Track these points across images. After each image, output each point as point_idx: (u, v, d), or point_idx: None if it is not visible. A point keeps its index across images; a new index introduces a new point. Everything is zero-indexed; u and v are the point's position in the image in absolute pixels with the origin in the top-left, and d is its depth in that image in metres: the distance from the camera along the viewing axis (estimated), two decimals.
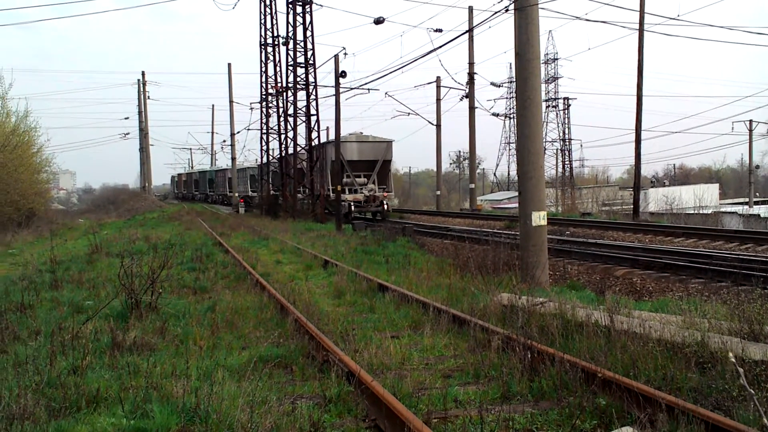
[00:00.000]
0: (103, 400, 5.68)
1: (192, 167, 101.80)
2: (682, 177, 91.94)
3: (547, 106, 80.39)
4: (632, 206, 31.42)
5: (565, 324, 7.44)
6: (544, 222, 12.06)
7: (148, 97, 63.04)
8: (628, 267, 14.47)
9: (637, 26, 28.53)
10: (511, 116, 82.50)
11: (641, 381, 5.51)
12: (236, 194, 55.85)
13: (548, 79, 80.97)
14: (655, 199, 51.31)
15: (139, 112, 63.78)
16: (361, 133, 34.39)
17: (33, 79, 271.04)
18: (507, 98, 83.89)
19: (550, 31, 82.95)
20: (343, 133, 30.66)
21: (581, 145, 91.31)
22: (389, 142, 33.90)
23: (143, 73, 62.80)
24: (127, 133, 66.18)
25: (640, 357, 6.00)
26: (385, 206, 33.64)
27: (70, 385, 5.84)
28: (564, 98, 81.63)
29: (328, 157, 33.87)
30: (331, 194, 31.64)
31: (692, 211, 40.97)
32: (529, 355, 6.30)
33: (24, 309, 9.77)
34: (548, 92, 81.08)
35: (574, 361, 5.90)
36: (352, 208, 32.45)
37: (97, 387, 5.84)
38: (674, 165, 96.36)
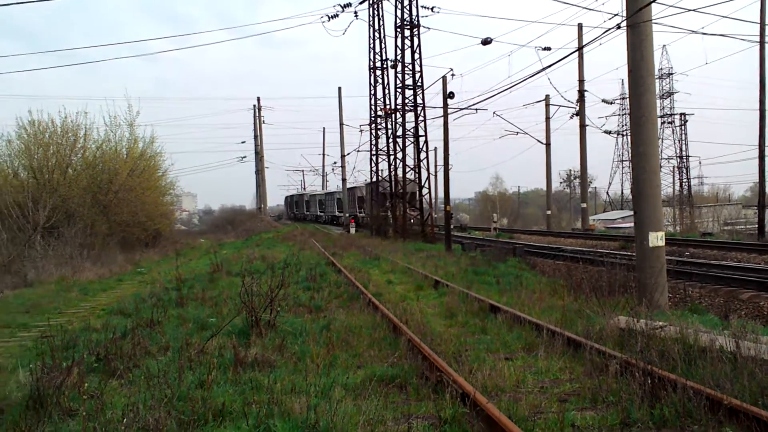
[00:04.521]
0: (228, 414, 5.94)
1: (304, 188, 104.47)
2: None
3: (663, 123, 77.34)
4: (757, 226, 29.80)
5: (687, 349, 7.16)
6: (661, 243, 11.65)
7: (264, 121, 65.40)
8: (754, 290, 13.71)
9: (757, 38, 27.24)
10: (624, 133, 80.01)
11: None
12: (347, 214, 56.89)
13: (663, 95, 78.01)
14: None
15: (255, 136, 66.21)
16: (384, 179, 41.49)
17: (157, 106, 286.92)
18: (619, 115, 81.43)
19: (664, 45, 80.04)
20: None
21: (700, 162, 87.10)
22: (414, 181, 39.83)
23: (258, 99, 65.30)
24: (244, 157, 68.71)
25: None
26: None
27: (198, 399, 6.13)
28: (680, 114, 78.37)
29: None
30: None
31: None
32: (650, 381, 6.09)
33: (153, 325, 10.33)
34: (663, 108, 78.04)
35: (698, 388, 5.67)
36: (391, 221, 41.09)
37: (222, 401, 6.10)
38: None
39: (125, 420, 5.24)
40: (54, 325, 10.15)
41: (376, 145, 43.82)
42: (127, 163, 33.60)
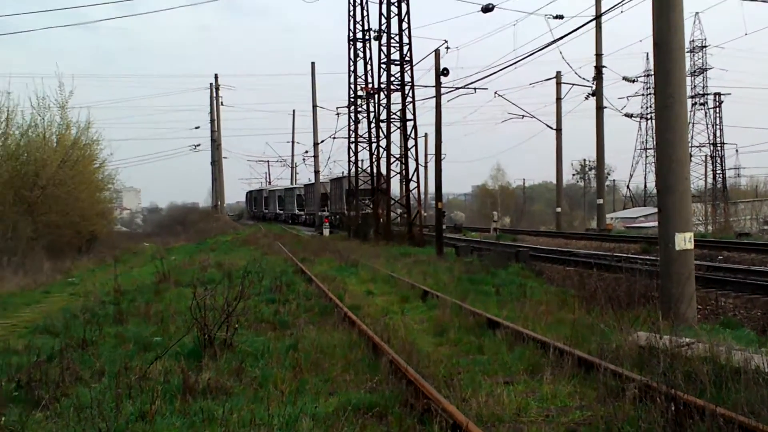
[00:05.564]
0: None
1: (269, 182, 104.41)
2: None
3: (694, 104, 77.99)
4: None
5: (718, 370, 7.22)
6: (690, 245, 11.73)
7: (222, 103, 65.16)
8: None
9: None
10: (649, 117, 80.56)
11: None
12: (318, 213, 56.90)
13: (694, 72, 78.57)
14: None
15: (211, 121, 66.03)
16: (365, 171, 44.93)
17: (94, 85, 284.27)
18: (643, 95, 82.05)
19: (696, 13, 79.89)
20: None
21: (737, 150, 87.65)
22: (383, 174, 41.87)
23: (216, 77, 65.05)
24: (198, 145, 68.50)
25: None
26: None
27: None
28: (715, 94, 79.09)
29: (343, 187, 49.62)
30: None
31: None
32: (673, 408, 6.14)
33: (86, 346, 10.24)
34: (694, 87, 78.63)
35: (729, 416, 5.72)
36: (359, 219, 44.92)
37: None
38: None
39: None
40: None
41: (356, 130, 43.87)
42: (58, 153, 33.36)
